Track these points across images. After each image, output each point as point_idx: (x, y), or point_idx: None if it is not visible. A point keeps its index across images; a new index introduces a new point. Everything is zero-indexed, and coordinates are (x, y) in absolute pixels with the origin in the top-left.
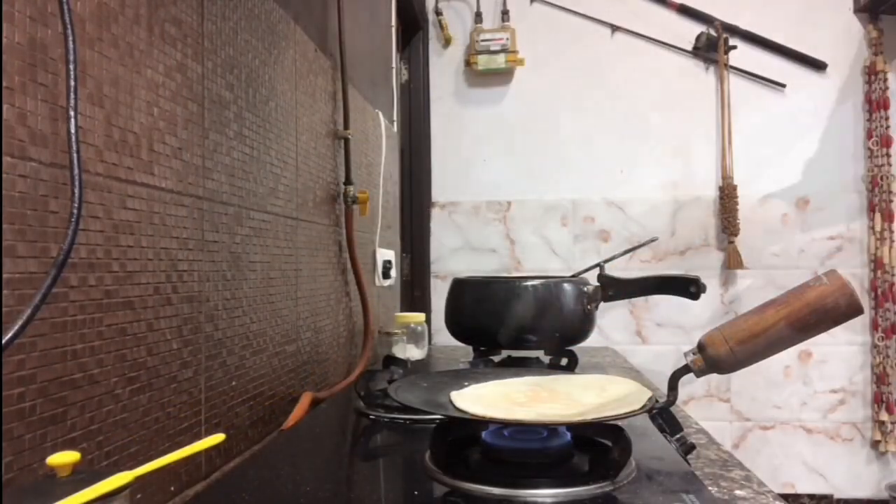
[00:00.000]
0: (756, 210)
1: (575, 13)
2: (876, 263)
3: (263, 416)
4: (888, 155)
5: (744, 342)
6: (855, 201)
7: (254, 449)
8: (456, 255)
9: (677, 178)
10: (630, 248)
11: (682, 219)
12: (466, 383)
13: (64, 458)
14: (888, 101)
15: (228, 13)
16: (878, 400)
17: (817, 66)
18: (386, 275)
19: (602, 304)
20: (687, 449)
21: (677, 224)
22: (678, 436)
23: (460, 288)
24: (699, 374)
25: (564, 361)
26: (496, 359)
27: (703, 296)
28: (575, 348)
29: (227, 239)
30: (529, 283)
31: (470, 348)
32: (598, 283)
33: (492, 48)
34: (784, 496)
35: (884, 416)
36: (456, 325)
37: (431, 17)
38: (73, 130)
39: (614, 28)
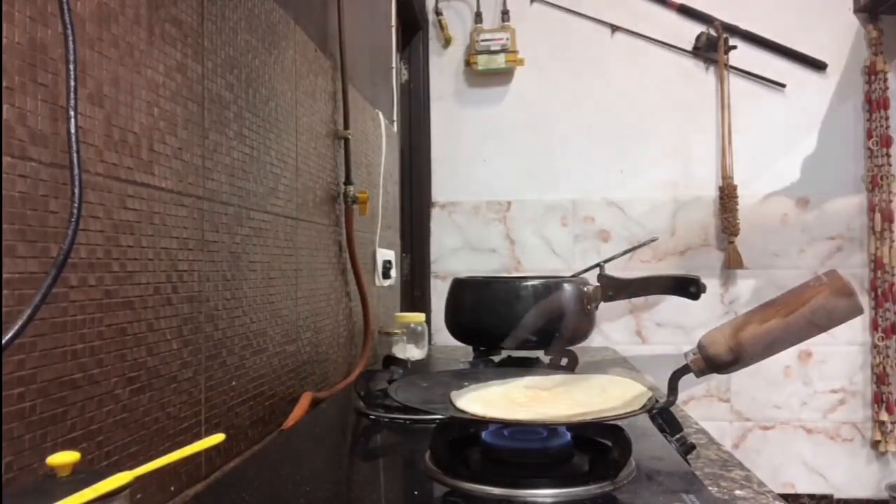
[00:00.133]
0: (756, 210)
1: (575, 13)
2: (876, 263)
3: (263, 416)
4: (888, 155)
5: (744, 342)
6: (855, 201)
7: (254, 449)
8: (456, 255)
9: (677, 178)
10: (630, 248)
11: (682, 219)
12: (466, 383)
13: (64, 458)
14: (888, 101)
15: (228, 13)
16: (878, 400)
17: (817, 66)
18: (386, 275)
19: (602, 304)
20: (687, 449)
21: (677, 224)
22: (678, 436)
23: (460, 288)
24: (699, 374)
25: (564, 361)
26: (496, 359)
27: (703, 296)
28: (575, 348)
29: (227, 239)
30: (529, 283)
31: (470, 348)
32: (598, 283)
33: (492, 48)
34: (784, 496)
35: (884, 416)
36: (456, 325)
37: (431, 17)
38: (73, 130)
39: (614, 28)
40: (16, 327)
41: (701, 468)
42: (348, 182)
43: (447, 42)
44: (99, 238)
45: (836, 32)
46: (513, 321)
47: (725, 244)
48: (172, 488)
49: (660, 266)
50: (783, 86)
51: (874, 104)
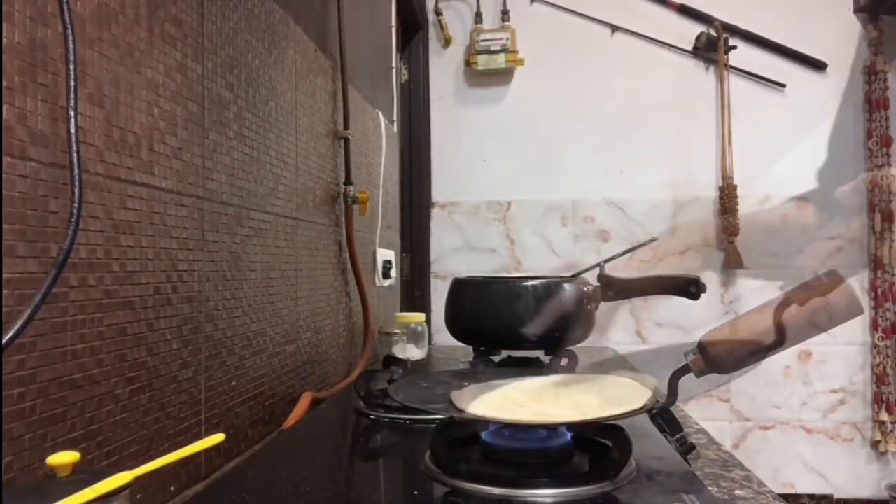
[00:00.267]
0: (756, 210)
1: (575, 13)
2: (876, 263)
3: (263, 416)
4: (888, 155)
5: (744, 342)
6: (855, 201)
7: (254, 449)
8: (456, 255)
9: (677, 178)
10: (630, 248)
11: (682, 219)
12: (466, 383)
13: (64, 458)
14: (888, 101)
15: (228, 13)
16: (878, 400)
17: (817, 66)
18: (386, 275)
19: (602, 304)
20: (687, 449)
21: (677, 224)
22: (678, 436)
23: (460, 288)
24: (699, 374)
25: (564, 361)
26: (496, 359)
27: (703, 296)
28: (575, 348)
29: (227, 239)
30: (529, 283)
31: (470, 348)
32: (598, 283)
33: (492, 48)
34: (784, 496)
35: (884, 416)
36: (456, 325)
37: (431, 17)
38: (73, 130)
39: (614, 28)
40: (16, 327)
41: (701, 468)
42: (348, 182)
43: (447, 42)
44: (99, 238)
45: (836, 32)
46: (513, 321)
47: (725, 244)
48: (172, 488)
49: (660, 266)
50: (783, 86)
51: (874, 104)
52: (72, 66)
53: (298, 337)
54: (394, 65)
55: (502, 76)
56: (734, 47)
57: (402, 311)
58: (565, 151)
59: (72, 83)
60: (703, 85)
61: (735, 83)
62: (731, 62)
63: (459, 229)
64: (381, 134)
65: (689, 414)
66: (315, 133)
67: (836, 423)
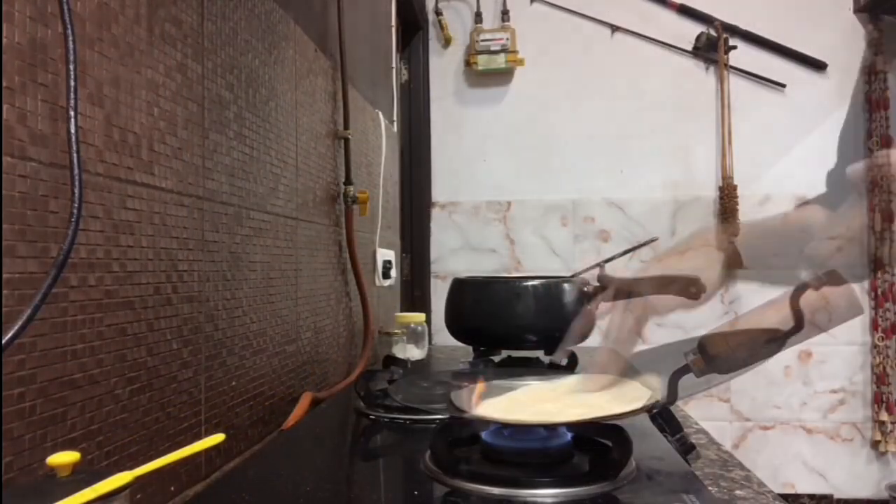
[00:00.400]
0: (756, 210)
1: (575, 13)
2: (876, 263)
3: (263, 416)
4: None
5: (744, 342)
6: (855, 201)
7: (254, 449)
8: (456, 255)
9: (677, 178)
10: (630, 248)
11: (682, 219)
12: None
13: (64, 458)
14: (888, 101)
15: (228, 13)
16: (878, 400)
17: (817, 66)
18: (386, 275)
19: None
20: (687, 449)
21: (677, 224)
22: (678, 436)
23: (460, 288)
24: (699, 374)
25: (564, 361)
26: (496, 359)
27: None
28: (575, 348)
29: (227, 239)
30: (529, 283)
31: (470, 348)
32: (598, 283)
33: (492, 48)
34: (784, 496)
35: (884, 416)
36: (456, 325)
37: (431, 17)
38: (73, 130)
39: (614, 28)
40: (16, 327)
41: (701, 468)
42: (348, 182)
43: (447, 42)
44: (99, 238)
45: (836, 32)
46: (513, 321)
47: (725, 244)
48: (172, 488)
49: (659, 266)
50: (783, 86)
51: (874, 104)
52: (72, 66)
53: (298, 337)
54: (394, 65)
55: (502, 76)
56: (734, 47)
57: (402, 311)
58: (565, 151)
59: (72, 83)
60: (703, 85)
61: (735, 83)
62: (731, 62)
63: (459, 229)
64: (381, 134)
65: (689, 414)
66: (315, 133)
67: (836, 423)
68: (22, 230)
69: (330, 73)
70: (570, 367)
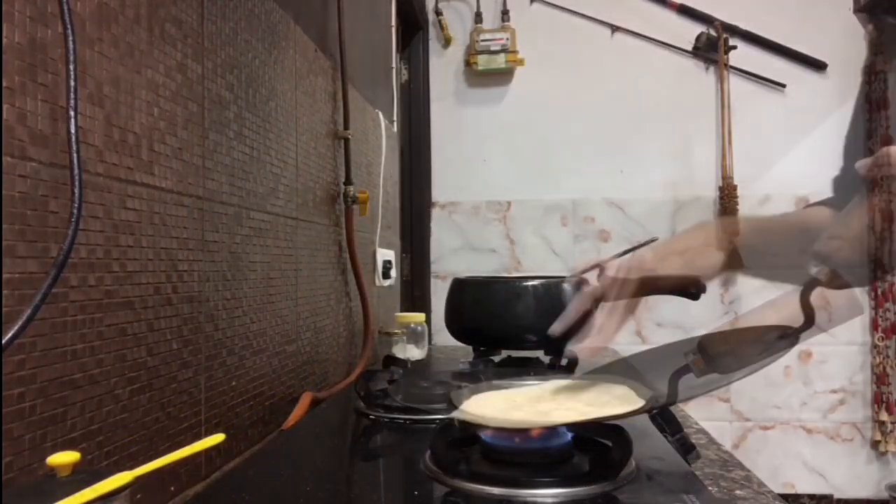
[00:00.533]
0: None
1: (575, 13)
2: (875, 264)
3: (263, 416)
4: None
5: (746, 340)
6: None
7: (254, 449)
8: (456, 255)
9: (677, 178)
10: (630, 248)
11: (682, 219)
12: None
13: (64, 458)
14: (888, 101)
15: (228, 13)
16: (878, 400)
17: (817, 66)
18: (386, 275)
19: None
20: (687, 449)
21: (677, 224)
22: (678, 436)
23: (460, 288)
24: (699, 373)
25: (564, 361)
26: (496, 359)
27: (703, 296)
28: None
29: (227, 239)
30: (529, 283)
31: (470, 348)
32: (598, 283)
33: (492, 48)
34: (784, 496)
35: (884, 416)
36: (456, 325)
37: (431, 17)
38: (73, 130)
39: (614, 28)
40: (16, 327)
41: (701, 468)
42: (348, 182)
43: (447, 42)
44: (99, 238)
45: (836, 32)
46: (513, 321)
47: (725, 244)
48: (172, 488)
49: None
50: (783, 86)
51: (874, 104)
52: (72, 66)
53: (298, 337)
54: (394, 65)
55: (502, 76)
56: (734, 47)
57: (402, 311)
58: (565, 151)
59: (72, 83)
60: (703, 85)
61: (735, 83)
62: (731, 62)
63: (459, 229)
64: (381, 134)
65: (689, 414)
66: (315, 133)
67: (836, 423)
68: (22, 230)
69: (330, 73)
70: (570, 367)
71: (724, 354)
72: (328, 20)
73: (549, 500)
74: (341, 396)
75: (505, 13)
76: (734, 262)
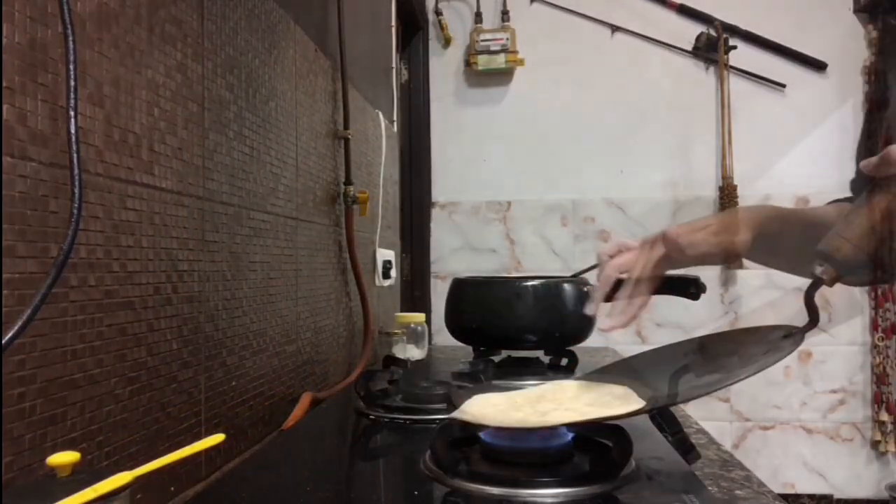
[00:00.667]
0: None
1: (575, 13)
2: (876, 264)
3: (263, 416)
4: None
5: (866, 235)
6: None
7: (254, 449)
8: (456, 255)
9: (677, 178)
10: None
11: (682, 219)
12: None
13: (64, 458)
14: (888, 101)
15: (228, 13)
16: (878, 400)
17: (817, 66)
18: (386, 275)
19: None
20: (687, 449)
21: (677, 224)
22: (678, 436)
23: (460, 288)
24: (832, 283)
25: (564, 361)
26: (496, 359)
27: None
28: (575, 348)
29: (227, 239)
30: (529, 283)
31: (470, 348)
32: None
33: (492, 48)
34: (784, 496)
35: (884, 416)
36: (456, 325)
37: (431, 17)
38: (73, 130)
39: (614, 28)
40: (16, 327)
41: (701, 468)
42: (348, 182)
43: (447, 42)
44: (99, 238)
45: (836, 32)
46: (513, 321)
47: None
48: (172, 488)
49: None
50: (783, 86)
51: (874, 104)
52: (72, 66)
53: (298, 337)
54: (394, 65)
55: (502, 76)
56: (734, 47)
57: (402, 311)
58: (565, 151)
59: (72, 83)
60: (703, 85)
61: (735, 83)
62: (731, 62)
63: (459, 229)
64: (381, 134)
65: (689, 414)
66: (315, 133)
67: (836, 423)
68: (22, 230)
69: (330, 73)
70: (570, 367)
71: (727, 354)
72: (328, 20)
73: (549, 500)
74: (341, 396)
75: (505, 13)
76: (759, 246)
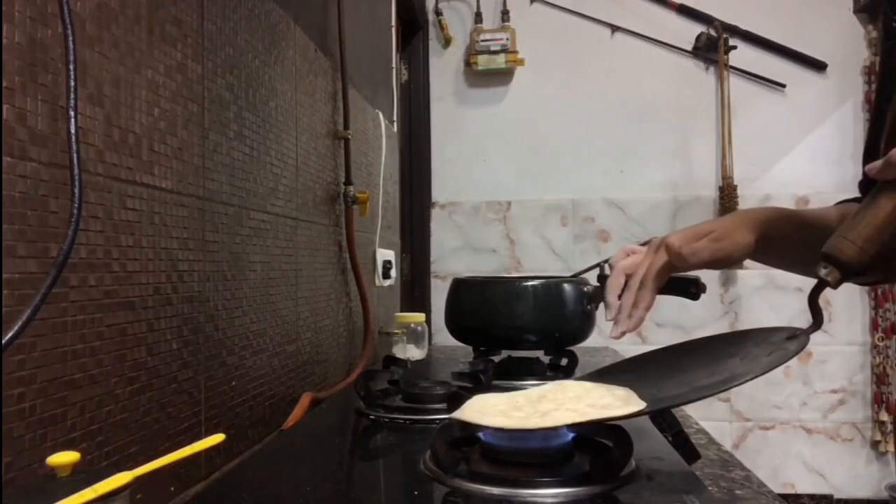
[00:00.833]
0: None
1: (575, 13)
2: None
3: (263, 416)
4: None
5: (870, 237)
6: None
7: (254, 449)
8: (456, 255)
9: (677, 178)
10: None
11: (682, 219)
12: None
13: (64, 458)
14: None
15: (228, 13)
16: (878, 400)
17: (817, 66)
18: (386, 275)
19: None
20: (687, 449)
21: (677, 224)
22: (678, 436)
23: (460, 288)
24: (836, 285)
25: (564, 361)
26: (496, 359)
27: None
28: (575, 348)
29: (227, 239)
30: (529, 283)
31: (470, 348)
32: (598, 283)
33: (492, 48)
34: (784, 496)
35: (884, 416)
36: (456, 325)
37: (431, 17)
38: (73, 130)
39: (614, 28)
40: (16, 327)
41: (701, 468)
42: (348, 182)
43: (447, 42)
44: (99, 238)
45: (836, 32)
46: (513, 321)
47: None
48: (172, 488)
49: None
50: (783, 86)
51: (874, 104)
52: (72, 66)
53: (298, 337)
54: (394, 65)
55: (502, 76)
56: (734, 47)
57: (402, 311)
58: (565, 151)
59: (72, 83)
60: (703, 85)
61: (735, 83)
62: (731, 62)
63: (459, 229)
64: (381, 134)
65: (689, 414)
66: (315, 133)
67: (836, 423)
68: (22, 230)
69: (330, 73)
70: (570, 367)
71: (729, 356)
72: (328, 20)
73: (549, 500)
74: (341, 396)
75: (505, 13)
76: (761, 248)
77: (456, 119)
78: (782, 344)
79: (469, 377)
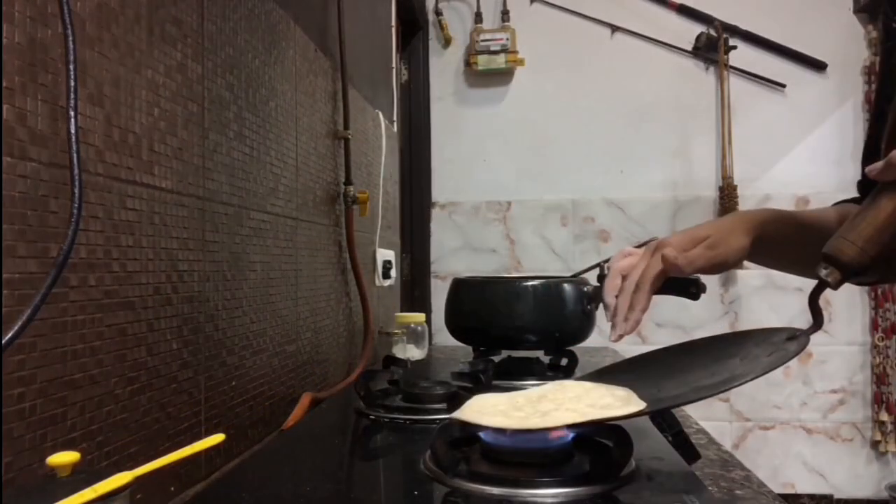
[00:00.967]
0: None
1: (575, 13)
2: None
3: (263, 416)
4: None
5: (871, 238)
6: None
7: (254, 449)
8: (456, 255)
9: (677, 178)
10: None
11: (682, 219)
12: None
13: (64, 458)
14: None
15: (228, 13)
16: (878, 400)
17: (817, 66)
18: (386, 275)
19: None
20: (687, 451)
21: (677, 224)
22: (678, 436)
23: (460, 288)
24: (836, 286)
25: (564, 361)
26: (496, 359)
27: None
28: (575, 348)
29: (227, 239)
30: (529, 283)
31: (470, 348)
32: (598, 283)
33: (492, 48)
34: (784, 496)
35: (884, 416)
36: (456, 325)
37: (431, 17)
38: (73, 130)
39: (614, 28)
40: (16, 327)
41: (701, 468)
42: (348, 182)
43: (447, 42)
44: (99, 238)
45: (836, 32)
46: (513, 321)
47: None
48: (172, 488)
49: None
50: (783, 86)
51: (874, 104)
52: (72, 67)
53: (298, 337)
54: (394, 65)
55: (502, 76)
56: (734, 47)
57: (402, 311)
58: (565, 151)
59: (72, 83)
60: (703, 85)
61: (735, 83)
62: (731, 62)
63: (459, 229)
64: (381, 134)
65: (689, 414)
66: (315, 133)
67: (836, 423)
68: (22, 230)
69: (330, 73)
70: (570, 367)
71: (730, 356)
72: (328, 20)
73: (549, 500)
74: (341, 396)
75: (505, 13)
76: (758, 249)
77: (456, 119)
78: (782, 344)
79: (469, 377)
